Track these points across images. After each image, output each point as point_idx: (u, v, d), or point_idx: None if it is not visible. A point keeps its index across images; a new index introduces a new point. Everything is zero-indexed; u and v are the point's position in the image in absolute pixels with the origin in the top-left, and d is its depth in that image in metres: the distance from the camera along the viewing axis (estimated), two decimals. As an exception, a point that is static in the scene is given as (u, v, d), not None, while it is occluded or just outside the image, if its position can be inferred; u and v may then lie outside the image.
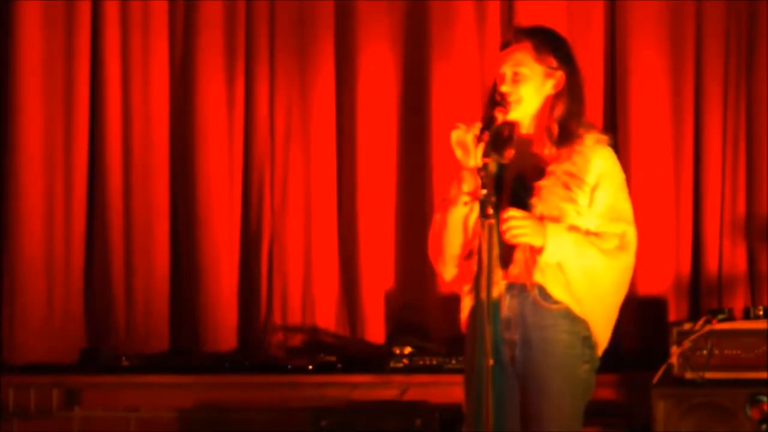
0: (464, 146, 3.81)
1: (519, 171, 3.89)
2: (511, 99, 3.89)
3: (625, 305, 6.59)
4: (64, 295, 6.78)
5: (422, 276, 6.80)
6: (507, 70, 3.92)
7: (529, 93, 3.91)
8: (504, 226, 3.75)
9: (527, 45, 3.94)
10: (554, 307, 3.86)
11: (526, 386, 3.86)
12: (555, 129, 3.91)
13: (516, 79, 3.91)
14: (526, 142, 3.94)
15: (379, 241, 6.83)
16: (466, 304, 3.93)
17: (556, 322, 3.87)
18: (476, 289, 3.59)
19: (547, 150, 3.91)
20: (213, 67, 6.88)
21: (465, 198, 3.81)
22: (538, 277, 3.83)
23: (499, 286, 3.81)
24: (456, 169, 3.85)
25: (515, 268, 3.84)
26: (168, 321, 6.81)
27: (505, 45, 3.99)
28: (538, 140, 3.94)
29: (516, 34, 3.98)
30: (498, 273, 3.78)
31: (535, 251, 3.81)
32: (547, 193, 3.85)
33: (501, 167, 3.81)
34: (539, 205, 3.83)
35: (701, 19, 6.69)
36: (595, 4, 6.76)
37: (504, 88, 3.89)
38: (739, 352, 5.80)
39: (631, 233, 3.95)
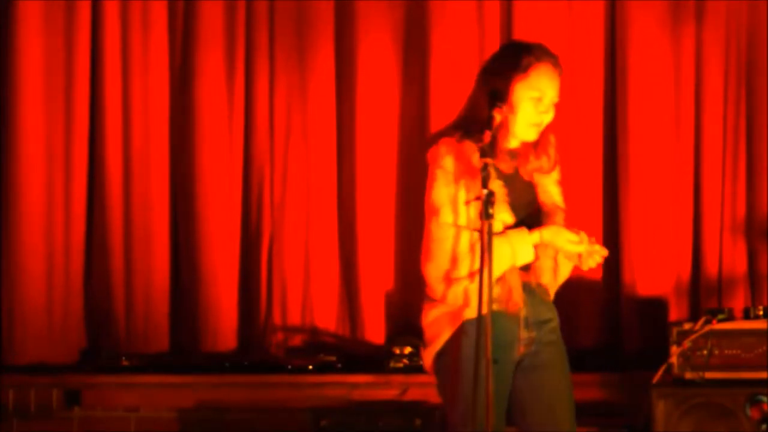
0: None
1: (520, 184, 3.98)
2: (541, 123, 3.95)
3: (625, 305, 6.68)
4: (64, 295, 6.78)
5: (422, 276, 6.80)
6: (550, 95, 3.93)
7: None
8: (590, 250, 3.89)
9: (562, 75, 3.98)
10: (549, 300, 4.00)
11: (543, 382, 3.93)
12: (541, 143, 3.99)
13: (551, 109, 3.95)
14: (514, 156, 4.02)
15: (379, 241, 6.83)
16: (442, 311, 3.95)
17: (554, 315, 4.02)
18: (480, 289, 3.59)
19: (532, 164, 3.99)
20: (213, 66, 6.88)
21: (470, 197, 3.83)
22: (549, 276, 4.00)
23: (518, 289, 3.89)
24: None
25: (545, 276, 3.98)
26: (168, 321, 6.81)
27: (555, 63, 3.95)
28: (524, 155, 4.01)
29: (558, 61, 3.97)
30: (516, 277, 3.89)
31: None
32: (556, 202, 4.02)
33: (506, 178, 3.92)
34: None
35: (701, 18, 6.69)
36: (595, 3, 6.76)
37: (541, 109, 3.91)
38: (739, 352, 5.81)
39: None
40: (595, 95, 6.73)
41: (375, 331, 6.79)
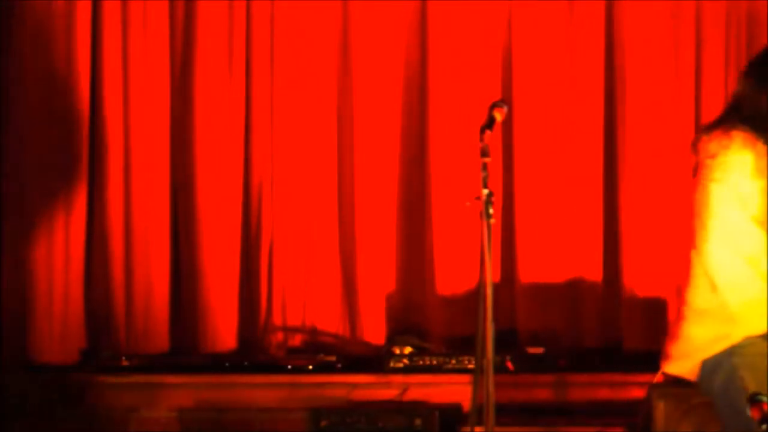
0: None
1: None
2: None
3: (625, 305, 6.66)
4: (64, 295, 6.77)
5: (422, 276, 6.81)
6: None
7: None
8: None
9: None
10: None
11: None
12: None
13: None
14: None
15: (379, 241, 6.83)
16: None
17: None
18: (481, 287, 3.60)
19: None
20: (213, 66, 6.87)
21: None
22: None
23: None
24: None
25: None
26: (168, 321, 6.80)
27: None
28: None
29: None
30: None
31: None
32: None
33: None
34: None
35: (701, 19, 6.69)
36: (595, 3, 6.76)
37: None
38: (739, 351, 5.79)
39: None
40: (595, 96, 6.73)
41: (375, 331, 6.79)
